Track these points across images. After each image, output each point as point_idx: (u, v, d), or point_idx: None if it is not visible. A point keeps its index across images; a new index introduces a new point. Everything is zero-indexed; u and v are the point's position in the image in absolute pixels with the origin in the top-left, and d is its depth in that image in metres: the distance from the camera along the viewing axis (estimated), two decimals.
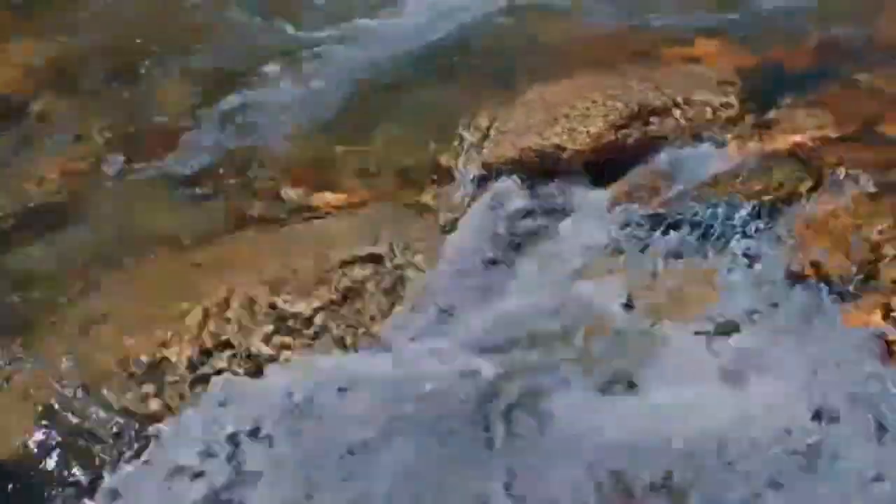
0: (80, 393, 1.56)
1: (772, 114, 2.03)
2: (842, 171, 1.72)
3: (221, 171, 2.21)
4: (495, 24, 2.72)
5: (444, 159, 2.12)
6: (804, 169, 1.77)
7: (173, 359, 1.54)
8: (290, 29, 2.84)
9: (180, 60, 2.61)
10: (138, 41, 2.72)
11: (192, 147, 2.23)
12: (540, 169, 2.00)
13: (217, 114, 2.35)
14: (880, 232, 1.57)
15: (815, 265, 1.60)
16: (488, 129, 2.12)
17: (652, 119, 2.02)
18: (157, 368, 1.54)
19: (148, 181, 2.14)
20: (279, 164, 2.17)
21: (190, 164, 2.19)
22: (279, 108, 2.37)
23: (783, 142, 1.88)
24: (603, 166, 1.97)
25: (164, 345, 1.56)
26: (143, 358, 1.56)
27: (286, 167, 2.16)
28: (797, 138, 1.88)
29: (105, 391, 1.54)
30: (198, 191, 2.15)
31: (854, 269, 1.56)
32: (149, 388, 1.53)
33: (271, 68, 2.54)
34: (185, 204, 2.08)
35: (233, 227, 2.04)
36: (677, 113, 2.03)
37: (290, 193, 2.09)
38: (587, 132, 1.97)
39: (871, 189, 1.66)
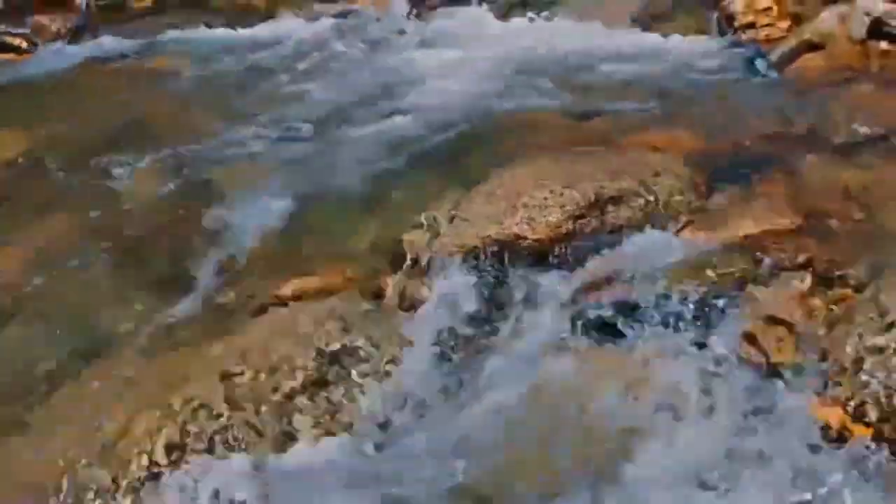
0: None
1: (723, 202, 2.10)
2: (788, 262, 1.78)
3: (187, 263, 2.22)
4: (458, 113, 2.82)
5: (407, 247, 2.16)
6: (753, 259, 1.82)
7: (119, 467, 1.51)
8: (259, 121, 2.94)
9: (148, 154, 2.67)
10: (104, 135, 2.78)
11: (155, 239, 2.26)
12: (501, 258, 2.04)
13: (181, 207, 2.39)
14: (825, 324, 1.62)
15: (765, 355, 1.64)
16: (452, 217, 2.17)
17: (609, 207, 2.08)
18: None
19: (111, 274, 2.15)
20: (243, 254, 2.19)
21: (155, 255, 2.21)
22: (243, 197, 2.41)
23: (733, 231, 1.94)
24: (562, 255, 2.01)
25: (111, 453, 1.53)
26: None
27: (250, 256, 2.19)
28: (747, 228, 1.94)
29: None
30: (162, 283, 2.16)
31: (804, 359, 1.60)
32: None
33: (239, 158, 2.60)
34: (149, 297, 2.08)
35: (198, 319, 2.05)
36: (633, 201, 2.09)
37: (254, 283, 2.11)
38: (545, 222, 2.02)
39: (815, 280, 1.71)
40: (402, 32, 4.47)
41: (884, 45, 3.14)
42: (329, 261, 2.16)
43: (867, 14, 3.26)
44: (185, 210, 2.40)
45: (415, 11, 5.09)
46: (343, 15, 4.82)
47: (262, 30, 4.67)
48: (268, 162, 2.65)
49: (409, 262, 2.12)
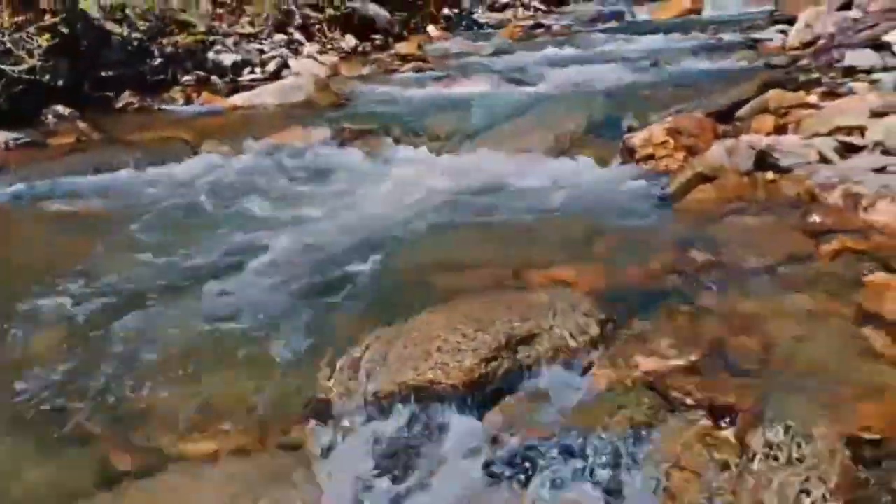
0: None
1: (628, 338, 2.17)
2: (689, 401, 1.84)
3: (88, 414, 2.13)
4: (374, 252, 2.89)
5: (321, 393, 2.14)
6: (657, 399, 1.87)
7: None
8: (171, 263, 2.93)
9: (58, 290, 2.62)
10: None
11: (56, 387, 2.17)
12: (416, 403, 2.04)
13: (85, 351, 2.33)
14: (729, 463, 1.66)
15: (673, 497, 1.66)
16: (367, 362, 2.16)
17: (520, 348, 2.13)
18: None
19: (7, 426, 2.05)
20: (152, 409, 2.12)
21: (54, 404, 2.12)
22: (152, 343, 2.36)
23: (638, 369, 2.00)
24: (476, 398, 2.02)
25: None
26: None
27: (158, 411, 2.11)
28: (650, 365, 2.01)
29: None
30: (61, 439, 2.05)
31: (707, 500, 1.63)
32: None
33: (152, 299, 2.58)
34: (46, 452, 1.97)
35: (98, 481, 1.94)
36: (543, 341, 2.15)
37: (161, 441, 2.03)
38: (459, 366, 2.04)
39: (715, 418, 1.77)
40: (327, 167, 4.61)
41: (769, 175, 3.43)
42: (240, 413, 2.10)
43: (752, 147, 3.58)
44: (81, 358, 2.32)
45: (344, 140, 5.32)
46: (270, 150, 4.94)
47: (188, 166, 4.73)
48: (175, 304, 2.61)
49: (323, 408, 2.09)
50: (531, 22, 13.90)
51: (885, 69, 4.81)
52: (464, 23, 13.94)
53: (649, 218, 3.20)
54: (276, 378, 2.19)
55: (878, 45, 5.24)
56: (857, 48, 5.42)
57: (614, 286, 2.47)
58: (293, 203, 3.85)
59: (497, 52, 9.66)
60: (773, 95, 4.61)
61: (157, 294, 2.67)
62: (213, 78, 7.43)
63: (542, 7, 16.23)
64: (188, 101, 6.67)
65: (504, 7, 15.88)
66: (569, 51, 9.18)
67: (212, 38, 7.67)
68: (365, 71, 8.54)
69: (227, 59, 7.60)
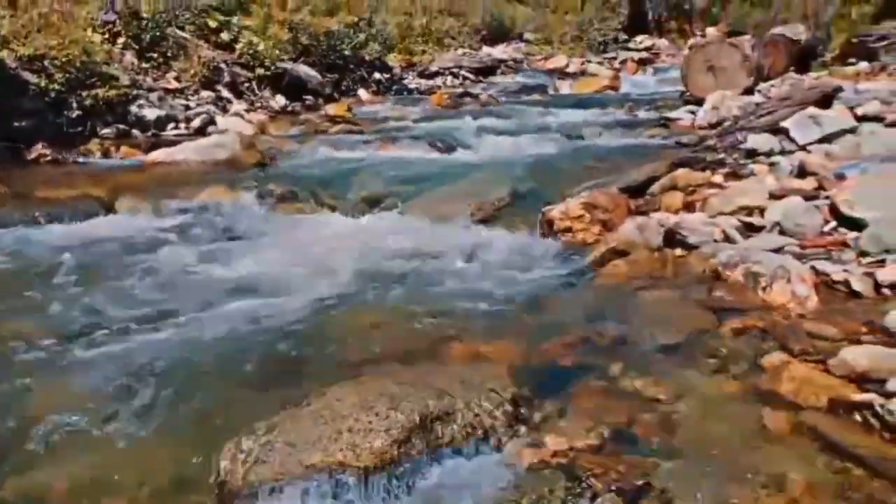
0: None
1: (541, 417, 2.19)
2: (598, 482, 1.86)
3: None
4: (290, 321, 2.83)
5: (225, 476, 2.04)
6: (566, 479, 1.88)
7: None
8: (73, 331, 2.79)
9: None
10: None
11: None
12: (325, 486, 1.97)
13: None
14: None
15: None
16: (274, 442, 2.09)
17: (434, 427, 2.10)
18: None
19: None
20: (51, 480, 1.97)
21: None
22: (30, 420, 2.21)
23: (550, 449, 2.01)
24: (387, 482, 1.98)
25: None
26: None
27: (57, 480, 1.96)
28: (561, 445, 2.02)
29: None
30: None
31: None
32: None
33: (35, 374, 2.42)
34: None
35: None
36: (457, 420, 2.13)
37: None
38: (370, 447, 1.99)
39: (626, 499, 1.79)
40: (249, 230, 4.53)
41: (677, 252, 3.59)
42: (138, 488, 1.98)
43: (661, 225, 3.75)
44: None
45: (266, 202, 5.25)
46: (188, 209, 4.83)
47: (97, 224, 4.56)
48: (71, 376, 2.46)
49: (226, 493, 1.99)
50: (460, 90, 14.31)
51: (783, 153, 5.18)
52: (394, 87, 14.20)
53: (566, 291, 3.28)
54: (172, 460, 2.07)
55: (777, 130, 5.64)
56: (758, 132, 5.83)
57: (530, 361, 2.49)
58: (205, 267, 3.75)
59: (426, 118, 9.86)
60: (682, 174, 4.88)
61: (42, 358, 2.52)
62: (135, 132, 7.24)
63: (471, 76, 16.74)
64: (106, 154, 6.46)
65: (434, 74, 16.29)
66: (495, 120, 9.45)
67: (135, 91, 7.51)
68: (293, 131, 8.53)
69: (151, 113, 7.44)
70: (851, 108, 5.87)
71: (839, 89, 6.21)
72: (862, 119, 5.65)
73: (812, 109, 5.41)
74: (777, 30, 13.20)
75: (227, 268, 3.75)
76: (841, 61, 10.38)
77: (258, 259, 3.92)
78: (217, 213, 4.78)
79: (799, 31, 12.43)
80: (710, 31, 27.81)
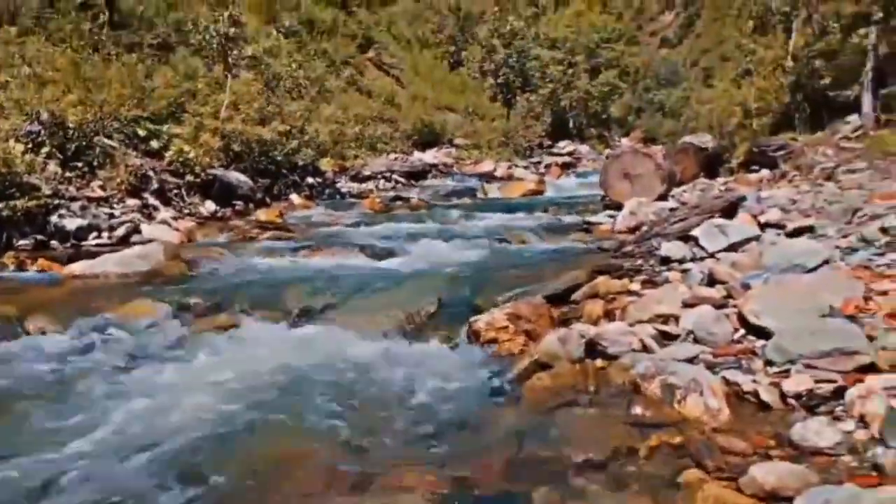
0: None
1: None
2: None
3: None
4: (205, 449, 2.72)
5: None
6: None
7: None
8: None
9: None
10: None
11: None
12: None
13: None
14: None
15: None
16: None
17: None
18: None
19: None
20: None
21: None
22: None
23: None
24: None
25: None
26: None
27: None
28: None
29: None
30: None
31: None
32: None
33: None
34: None
35: None
36: None
37: None
38: None
39: None
40: (166, 349, 4.39)
41: (598, 363, 3.68)
42: None
43: (582, 336, 3.85)
44: None
45: (187, 315, 5.11)
46: (104, 327, 4.66)
47: (11, 347, 4.33)
48: None
49: None
50: (392, 194, 14.63)
51: (694, 259, 5.47)
52: (327, 192, 14.38)
53: (491, 409, 3.28)
54: None
55: (688, 237, 5.97)
56: (671, 238, 6.15)
57: (453, 491, 2.45)
58: (112, 392, 3.60)
59: (358, 223, 9.98)
60: (602, 282, 5.06)
61: None
62: (54, 243, 7.05)
63: (403, 180, 17.17)
64: (21, 267, 6.22)
65: (367, 178, 16.64)
66: (425, 225, 9.67)
67: (57, 201, 7.36)
68: (222, 238, 8.47)
69: (71, 223, 7.28)
70: (755, 216, 6.31)
71: (743, 199, 6.67)
72: (765, 226, 6.07)
73: (719, 219, 5.77)
74: (686, 138, 14.24)
75: (137, 392, 3.60)
76: (745, 168, 11.18)
77: (170, 381, 3.78)
78: (133, 331, 4.62)
79: (706, 140, 13.44)
80: (625, 141, 29.75)
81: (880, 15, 9.77)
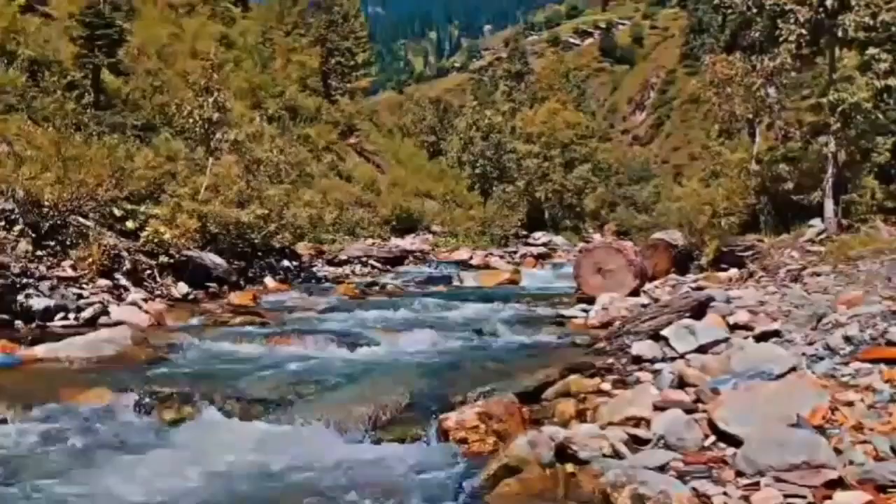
0: None
1: None
2: None
3: None
4: None
5: None
6: None
7: None
8: None
9: None
10: None
11: None
12: None
13: None
14: None
15: None
16: None
17: None
18: None
19: None
20: None
21: None
22: None
23: None
24: None
25: None
26: None
27: None
28: None
29: None
30: None
31: None
32: None
33: None
34: None
35: None
36: None
37: None
38: None
39: None
40: (124, 441, 4.24)
41: (569, 467, 3.62)
42: None
43: (552, 439, 3.80)
44: None
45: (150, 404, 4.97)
46: (58, 416, 4.50)
47: None
48: None
49: None
50: (368, 279, 14.65)
51: (665, 359, 5.50)
52: (303, 275, 14.36)
53: None
54: None
55: (659, 336, 6.02)
56: (643, 337, 6.20)
57: None
58: (60, 485, 3.45)
59: (331, 309, 9.92)
60: (574, 380, 5.06)
61: None
62: (18, 323, 6.89)
63: (380, 265, 17.24)
64: None
65: (343, 263, 16.68)
66: (400, 313, 9.63)
67: (25, 280, 7.25)
68: (193, 322, 8.35)
69: (38, 303, 7.15)
70: (724, 317, 6.40)
71: (712, 298, 6.78)
72: (734, 328, 6.15)
73: (688, 320, 5.85)
74: (658, 234, 14.61)
75: (83, 486, 3.46)
76: (715, 266, 11.42)
77: (123, 476, 3.64)
78: (88, 421, 4.46)
79: (677, 237, 13.79)
80: (598, 237, 30.44)
81: (838, 125, 10.30)
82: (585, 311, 9.14)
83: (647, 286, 10.70)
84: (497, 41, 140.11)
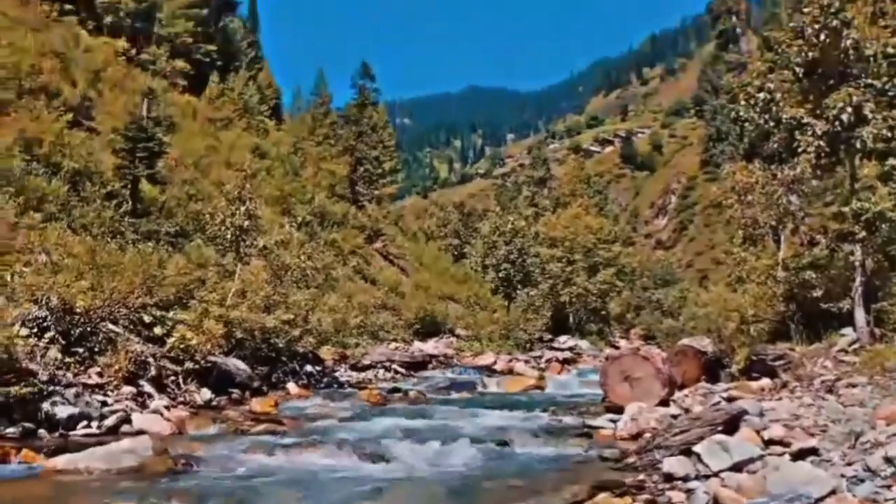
0: None
1: None
2: None
3: None
4: None
5: None
6: None
7: None
8: None
9: None
10: None
11: None
12: None
13: None
14: None
15: None
16: None
17: None
18: None
19: None
20: None
21: None
22: None
23: None
24: None
25: None
26: None
27: None
28: None
29: None
30: None
31: None
32: None
33: None
34: None
35: None
36: None
37: None
38: None
39: None
40: None
41: None
42: None
43: None
44: None
45: None
46: None
47: None
48: None
49: None
50: (391, 385, 14.48)
51: (698, 477, 5.28)
52: (325, 380, 14.26)
53: None
54: None
55: (691, 451, 5.81)
56: (674, 452, 5.99)
57: None
58: None
59: (354, 418, 9.77)
60: (603, 500, 4.87)
61: None
62: (42, 431, 6.88)
63: (402, 370, 17.09)
64: (4, 459, 6.01)
65: (366, 367, 16.58)
66: (423, 422, 9.43)
67: (51, 388, 7.30)
68: (214, 430, 8.26)
69: (63, 411, 7.15)
70: (758, 432, 6.19)
71: (744, 412, 6.58)
72: (769, 443, 5.93)
73: (721, 435, 5.66)
74: (685, 341, 14.35)
75: None
76: (746, 375, 11.14)
77: None
78: None
79: (705, 344, 13.53)
80: (623, 343, 30.02)
81: (863, 234, 10.28)
82: (613, 421, 8.89)
83: (677, 395, 10.43)
84: (519, 149, 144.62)
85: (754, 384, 10.34)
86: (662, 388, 9.92)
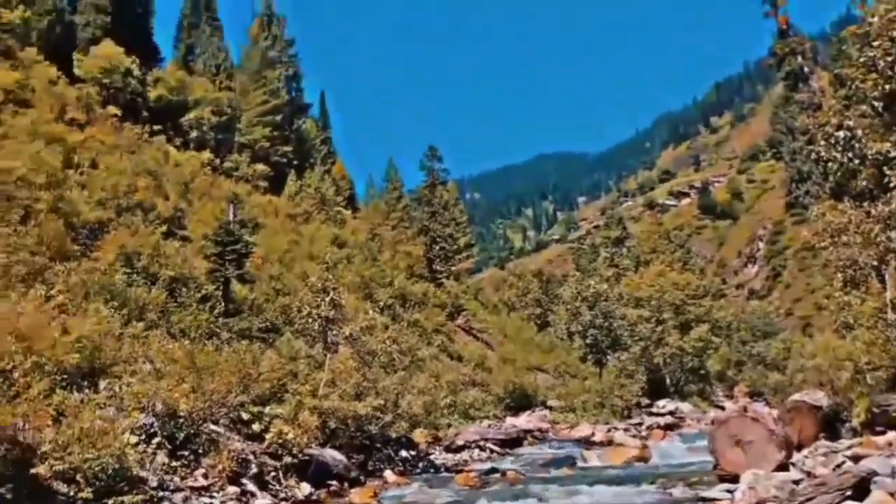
0: None
1: None
2: None
3: None
4: None
5: None
6: None
7: None
8: None
9: None
10: None
11: None
12: None
13: None
14: None
15: None
16: None
17: None
18: None
19: None
20: None
21: None
22: None
23: None
24: None
25: None
26: None
27: None
28: None
29: None
30: None
31: None
32: None
33: None
34: None
35: None
36: None
37: None
38: None
39: None
40: None
41: None
42: None
43: None
44: None
45: None
46: None
47: None
48: None
49: None
50: (487, 465, 14.13)
51: None
52: (420, 465, 14.08)
53: None
54: None
55: None
56: None
57: None
58: None
59: None
60: None
61: None
62: None
63: (497, 448, 16.69)
64: None
65: (460, 448, 16.28)
66: None
67: (161, 493, 7.51)
68: None
69: None
70: (892, 494, 5.66)
71: (874, 473, 6.05)
72: None
73: (850, 503, 5.21)
74: (797, 396, 13.43)
75: None
76: (869, 429, 10.30)
77: None
78: None
79: (819, 397, 12.62)
80: (728, 403, 28.33)
81: None
82: (729, 491, 8.33)
83: (796, 456, 9.70)
84: (592, 211, 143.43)
85: (880, 439, 9.52)
86: (778, 451, 9.26)
